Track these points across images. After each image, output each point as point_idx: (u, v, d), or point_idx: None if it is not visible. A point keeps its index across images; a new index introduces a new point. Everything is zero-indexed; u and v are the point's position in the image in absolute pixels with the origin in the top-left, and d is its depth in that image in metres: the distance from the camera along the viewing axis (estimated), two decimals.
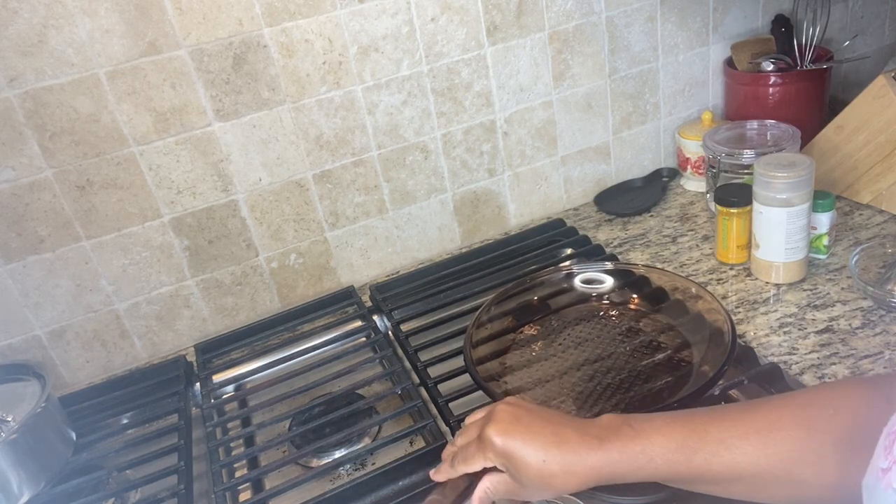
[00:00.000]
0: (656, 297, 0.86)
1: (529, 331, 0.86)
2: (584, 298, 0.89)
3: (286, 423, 0.84)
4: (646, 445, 0.49)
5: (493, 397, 0.70)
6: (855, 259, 0.85)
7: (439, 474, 0.57)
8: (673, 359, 0.76)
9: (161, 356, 1.00)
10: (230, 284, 1.01)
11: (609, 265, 0.90)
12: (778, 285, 0.89)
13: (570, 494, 0.55)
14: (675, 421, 0.51)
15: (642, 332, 0.81)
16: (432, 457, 0.71)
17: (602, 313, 0.87)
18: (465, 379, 0.78)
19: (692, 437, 0.49)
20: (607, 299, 0.88)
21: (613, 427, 0.51)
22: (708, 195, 1.08)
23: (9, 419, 0.77)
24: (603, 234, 1.10)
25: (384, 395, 0.82)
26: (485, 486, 0.54)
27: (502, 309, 0.87)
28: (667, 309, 0.84)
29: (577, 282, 0.90)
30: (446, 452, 0.58)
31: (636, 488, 0.63)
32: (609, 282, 0.89)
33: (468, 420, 0.59)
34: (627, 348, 0.79)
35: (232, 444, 0.82)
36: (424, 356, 0.86)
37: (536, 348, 0.82)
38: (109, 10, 0.81)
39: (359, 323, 0.97)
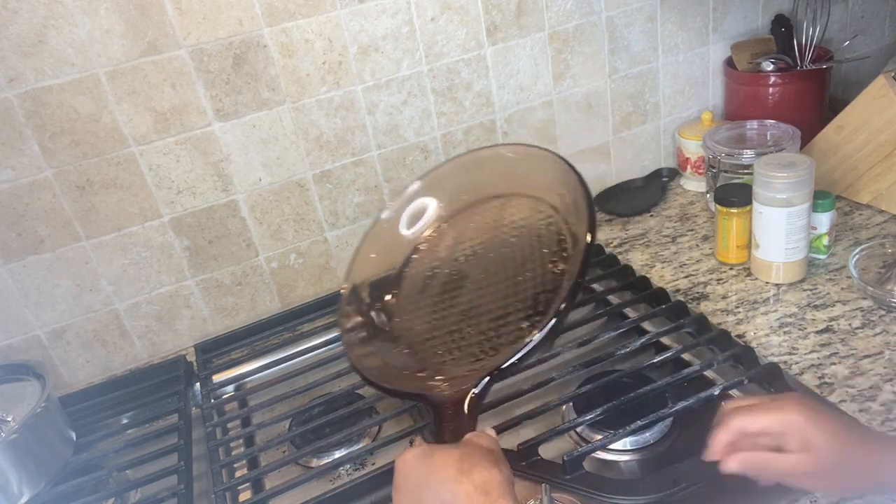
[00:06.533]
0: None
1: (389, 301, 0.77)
2: (419, 237, 0.80)
3: (286, 423, 0.84)
4: None
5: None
6: (855, 259, 0.85)
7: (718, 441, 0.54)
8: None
9: (161, 356, 1.00)
10: (230, 284, 1.01)
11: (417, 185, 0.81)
12: (778, 285, 0.89)
13: None
14: None
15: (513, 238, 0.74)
16: None
17: (448, 237, 0.78)
18: None
19: None
20: (434, 230, 0.80)
21: None
22: (708, 195, 1.08)
23: (9, 419, 0.77)
24: (603, 234, 1.10)
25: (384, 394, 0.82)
26: (764, 458, 0.52)
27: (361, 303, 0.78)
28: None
29: (403, 230, 0.81)
30: (717, 444, 0.54)
31: (637, 489, 0.63)
32: (433, 204, 0.81)
33: (737, 418, 0.54)
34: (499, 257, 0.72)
35: (232, 444, 0.82)
36: None
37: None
38: (109, 10, 0.81)
39: None
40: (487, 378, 0.58)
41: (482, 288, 0.70)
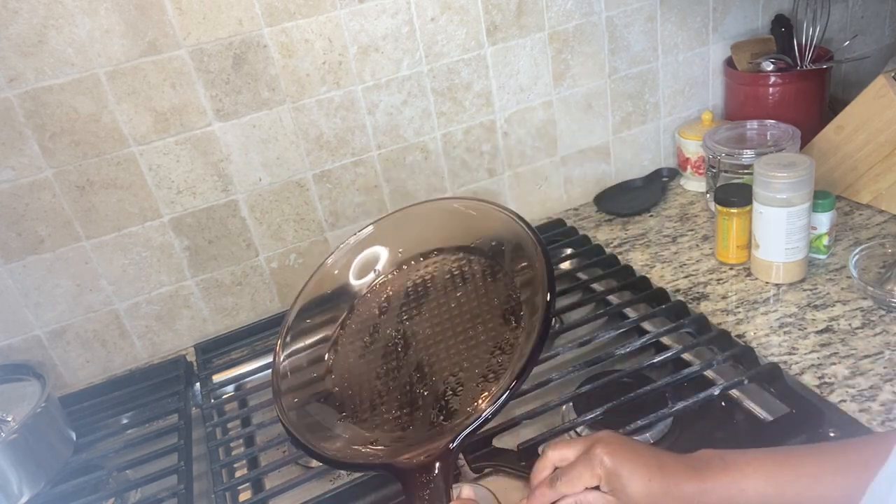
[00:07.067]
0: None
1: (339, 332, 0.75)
2: (367, 286, 0.78)
3: None
4: (736, 477, 0.51)
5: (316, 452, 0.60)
6: (855, 259, 0.85)
7: (536, 500, 0.56)
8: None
9: (161, 356, 1.00)
10: (230, 284, 1.01)
11: (370, 228, 0.79)
12: (778, 285, 0.89)
13: None
14: (769, 455, 0.53)
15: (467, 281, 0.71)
16: None
17: (394, 290, 0.76)
18: None
19: (784, 471, 0.51)
20: (385, 278, 0.78)
21: (706, 459, 0.54)
22: (708, 195, 1.08)
23: (9, 419, 0.77)
24: (603, 235, 1.10)
25: None
26: (587, 500, 0.54)
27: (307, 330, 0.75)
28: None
29: (352, 279, 0.78)
30: (536, 479, 0.57)
31: None
32: (382, 255, 0.78)
33: (550, 451, 0.58)
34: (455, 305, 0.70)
35: (232, 444, 0.82)
36: None
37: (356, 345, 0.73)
38: (109, 10, 0.81)
39: None
40: (464, 433, 0.55)
41: (430, 347, 0.67)
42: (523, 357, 0.58)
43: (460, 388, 0.62)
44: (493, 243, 0.72)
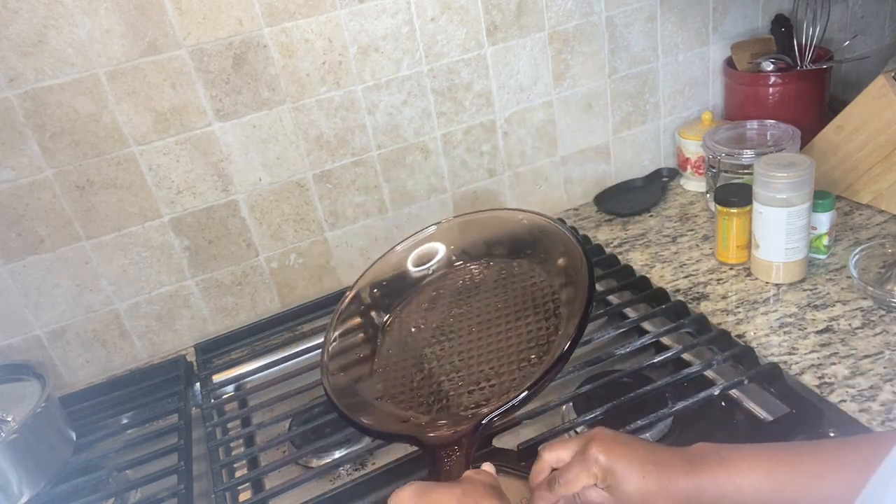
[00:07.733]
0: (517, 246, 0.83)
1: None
2: (421, 279, 0.85)
3: (286, 423, 0.84)
4: (732, 473, 0.51)
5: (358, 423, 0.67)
6: (855, 259, 0.85)
7: (537, 503, 0.56)
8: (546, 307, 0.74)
9: (161, 356, 1.00)
10: (230, 284, 1.01)
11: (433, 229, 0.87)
12: (778, 285, 0.89)
13: None
14: (765, 452, 0.52)
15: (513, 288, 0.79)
16: None
17: (445, 286, 0.83)
18: None
19: (781, 468, 0.50)
20: (447, 268, 0.85)
21: (701, 454, 0.53)
22: (708, 195, 1.08)
23: (9, 419, 0.77)
24: (603, 235, 1.10)
25: None
26: (585, 498, 0.55)
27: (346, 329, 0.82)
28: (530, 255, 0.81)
29: (408, 272, 0.86)
30: (535, 481, 0.58)
31: None
32: (441, 250, 0.86)
33: (545, 453, 0.58)
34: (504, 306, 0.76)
35: (232, 444, 0.82)
36: None
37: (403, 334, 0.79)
38: (109, 10, 0.81)
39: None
40: (492, 416, 0.60)
41: (472, 341, 0.74)
42: (556, 353, 0.63)
43: (494, 377, 0.67)
44: (543, 255, 0.79)
